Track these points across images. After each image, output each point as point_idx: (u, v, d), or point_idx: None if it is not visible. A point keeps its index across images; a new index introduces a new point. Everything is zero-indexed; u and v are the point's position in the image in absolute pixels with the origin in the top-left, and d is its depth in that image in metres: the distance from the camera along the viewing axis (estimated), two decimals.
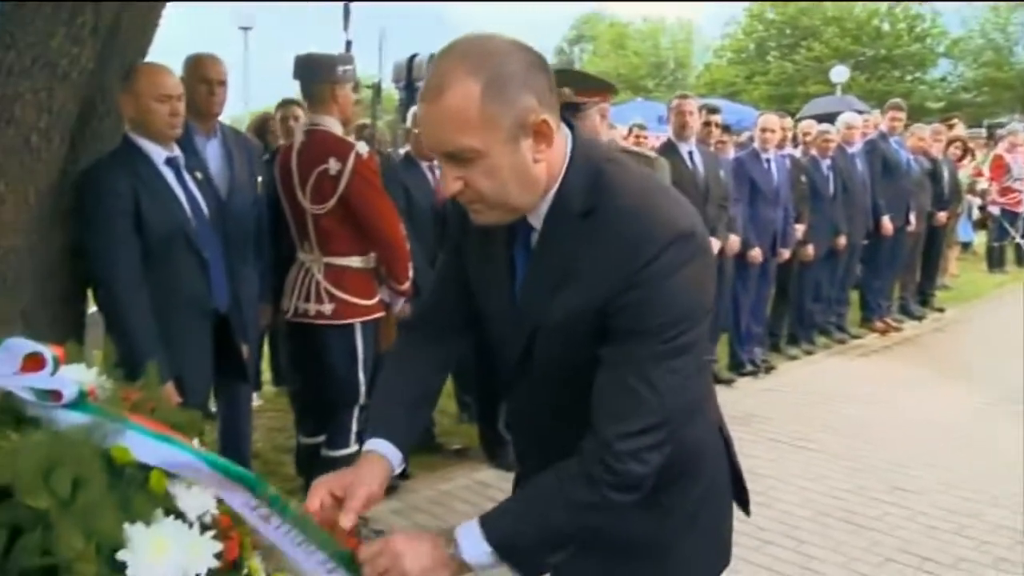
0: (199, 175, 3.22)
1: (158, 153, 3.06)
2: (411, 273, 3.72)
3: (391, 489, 4.29)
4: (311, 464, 3.79)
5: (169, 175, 3.08)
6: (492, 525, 1.45)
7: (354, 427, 3.68)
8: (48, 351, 1.31)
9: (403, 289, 3.72)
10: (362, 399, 3.66)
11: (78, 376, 1.38)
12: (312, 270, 3.58)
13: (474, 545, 1.44)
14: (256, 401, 4.90)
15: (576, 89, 3.41)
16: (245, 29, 15.88)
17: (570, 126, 1.49)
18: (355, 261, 3.58)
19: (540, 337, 1.53)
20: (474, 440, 4.87)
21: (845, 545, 3.86)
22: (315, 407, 3.84)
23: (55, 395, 1.28)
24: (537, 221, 1.48)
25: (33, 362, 1.29)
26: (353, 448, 3.69)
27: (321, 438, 3.73)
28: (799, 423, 5.50)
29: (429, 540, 1.46)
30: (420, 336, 1.77)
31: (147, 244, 2.96)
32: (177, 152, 3.13)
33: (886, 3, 35.41)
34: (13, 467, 1.16)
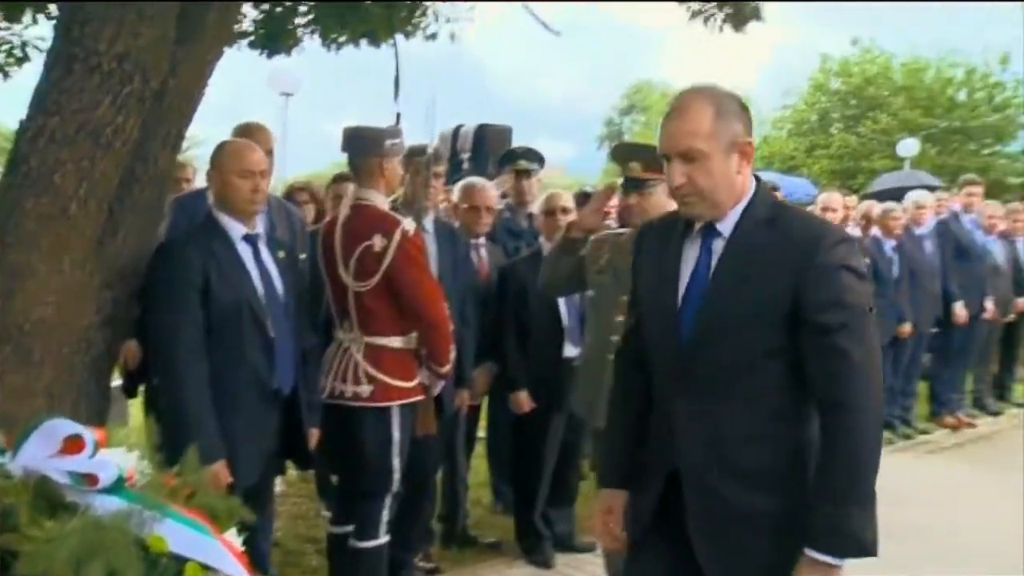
0: (282, 254, 3.40)
1: (237, 229, 3.26)
2: (453, 355, 3.77)
3: None
4: (339, 555, 3.79)
5: (246, 252, 3.27)
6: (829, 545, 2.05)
7: (385, 516, 3.68)
8: (89, 433, 1.37)
9: (444, 372, 3.76)
10: (395, 487, 3.67)
11: (118, 460, 1.43)
12: (351, 350, 3.64)
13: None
14: (279, 486, 4.92)
15: (644, 165, 3.45)
16: (287, 95, 16.35)
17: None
18: (396, 341, 3.64)
19: (717, 329, 2.14)
20: (509, 533, 4.84)
21: None
22: (345, 494, 3.86)
23: (91, 479, 1.34)
24: (726, 228, 2.17)
25: (73, 444, 1.35)
26: (383, 539, 3.68)
27: (350, 527, 3.73)
28: None
29: None
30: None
31: (212, 318, 3.13)
32: (259, 229, 3.35)
33: (963, 70, 35.34)
34: (46, 558, 1.20)
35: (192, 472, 1.57)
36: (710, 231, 2.20)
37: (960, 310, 7.67)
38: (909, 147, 26.87)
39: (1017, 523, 5.49)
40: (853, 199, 7.86)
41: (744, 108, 2.20)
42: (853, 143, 34.50)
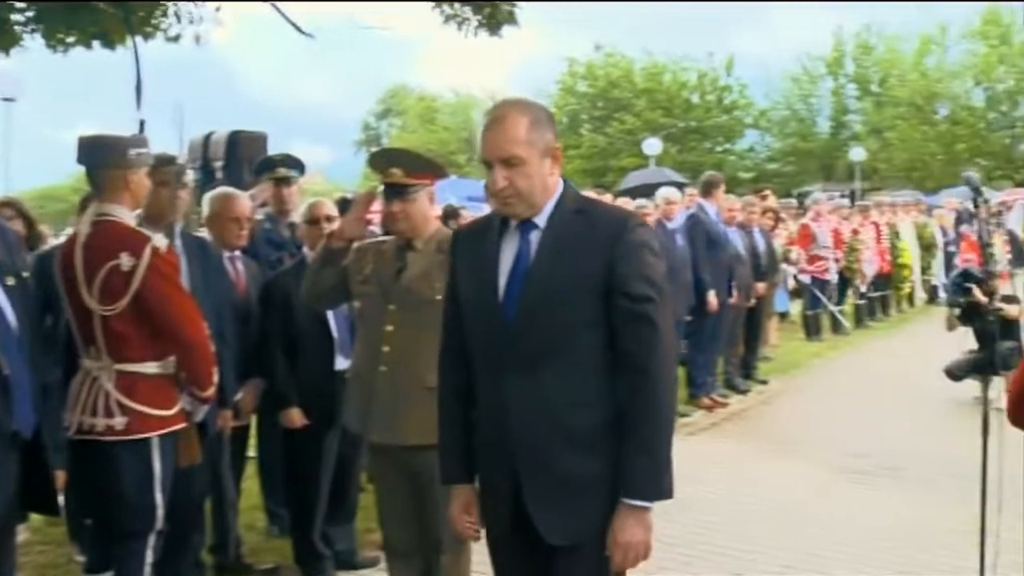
0: (11, 281, 3.09)
1: None
2: (215, 378, 3.56)
3: None
4: None
5: None
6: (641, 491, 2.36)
7: (149, 557, 3.42)
8: None
9: (206, 396, 3.55)
10: (158, 524, 3.42)
11: None
12: (100, 379, 3.35)
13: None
14: (22, 534, 4.46)
15: (406, 171, 3.40)
16: (8, 100, 15.04)
17: None
18: (151, 367, 3.40)
19: (540, 307, 2.39)
20: (287, 556, 4.64)
21: None
22: (102, 536, 3.56)
23: None
24: (542, 220, 2.45)
25: None
26: None
27: (109, 573, 3.46)
28: None
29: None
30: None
31: None
32: None
33: (695, 74, 38.06)
34: None
35: None
36: (527, 225, 2.46)
37: (712, 298, 8.17)
38: (653, 146, 28.53)
39: (764, 487, 5.93)
40: (608, 197, 8.18)
41: (552, 117, 2.51)
42: (602, 143, 36.30)
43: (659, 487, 2.39)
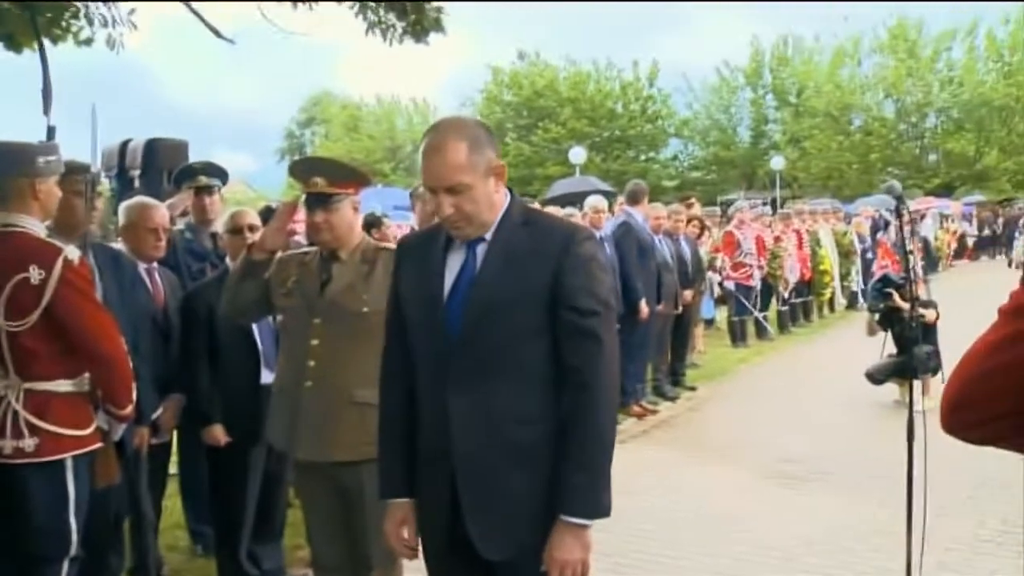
0: None
1: None
2: (134, 395, 3.42)
3: None
4: None
5: None
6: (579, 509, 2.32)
7: None
8: None
9: (125, 414, 3.41)
10: (73, 550, 3.27)
11: None
12: (7, 398, 3.19)
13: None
14: None
15: (329, 180, 3.31)
16: None
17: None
18: (63, 385, 3.25)
19: (485, 318, 2.34)
20: None
21: None
22: (12, 564, 3.37)
23: None
24: (488, 234, 2.41)
25: None
26: None
27: None
28: None
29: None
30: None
31: None
32: None
33: (619, 85, 38.56)
34: None
35: None
36: (474, 239, 2.43)
37: (644, 306, 8.20)
38: (578, 155, 28.68)
39: (693, 494, 5.95)
40: (536, 205, 8.15)
41: (491, 133, 2.48)
42: (527, 152, 36.48)
43: (598, 505, 2.35)
